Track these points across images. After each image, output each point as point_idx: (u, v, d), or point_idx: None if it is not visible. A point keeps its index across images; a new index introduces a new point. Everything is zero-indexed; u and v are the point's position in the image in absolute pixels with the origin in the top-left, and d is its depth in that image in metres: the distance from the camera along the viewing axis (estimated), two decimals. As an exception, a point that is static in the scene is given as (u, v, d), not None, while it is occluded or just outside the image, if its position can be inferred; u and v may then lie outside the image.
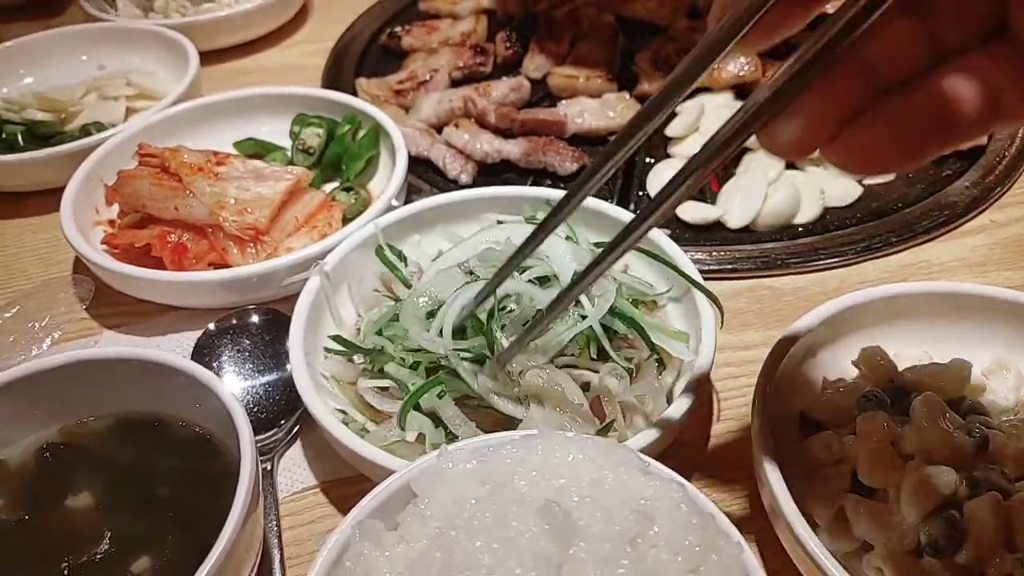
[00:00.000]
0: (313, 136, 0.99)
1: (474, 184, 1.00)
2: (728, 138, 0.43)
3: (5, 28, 1.42)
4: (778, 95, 0.40)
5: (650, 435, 0.59)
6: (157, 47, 1.21)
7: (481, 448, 0.49)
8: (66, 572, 0.53)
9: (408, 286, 0.73)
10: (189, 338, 0.78)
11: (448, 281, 0.69)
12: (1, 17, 1.47)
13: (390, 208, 0.85)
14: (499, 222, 0.79)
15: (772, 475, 0.55)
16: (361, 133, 1.00)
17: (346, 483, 0.67)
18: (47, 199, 0.98)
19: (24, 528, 0.56)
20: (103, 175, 0.92)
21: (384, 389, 0.67)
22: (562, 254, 0.71)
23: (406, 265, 0.78)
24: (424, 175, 1.02)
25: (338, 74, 1.25)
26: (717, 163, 0.44)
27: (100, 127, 1.04)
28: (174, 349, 0.78)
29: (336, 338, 0.71)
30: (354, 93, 1.15)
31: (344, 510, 0.65)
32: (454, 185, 1.00)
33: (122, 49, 1.23)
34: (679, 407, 0.61)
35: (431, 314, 0.67)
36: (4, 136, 1.05)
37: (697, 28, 1.17)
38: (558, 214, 0.57)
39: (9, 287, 0.88)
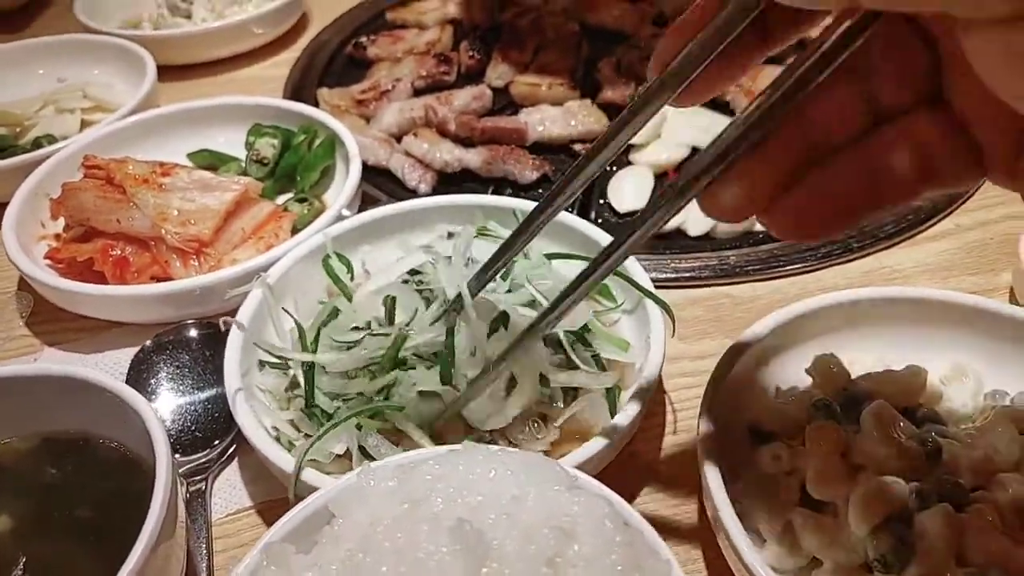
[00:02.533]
0: (267, 146, 0.97)
1: (434, 193, 0.98)
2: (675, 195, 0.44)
3: None
4: (720, 159, 0.41)
5: (593, 447, 0.56)
6: (115, 60, 1.19)
7: (404, 465, 0.47)
8: (-26, 601, 0.50)
9: (349, 298, 0.71)
10: (130, 354, 0.75)
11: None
12: None
13: (341, 218, 0.83)
14: (450, 234, 0.77)
15: (715, 487, 0.52)
16: (317, 143, 0.98)
17: (283, 504, 0.64)
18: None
19: (-66, 554, 0.53)
20: (51, 189, 0.90)
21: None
22: (520, 273, 0.68)
23: (352, 277, 0.76)
24: (383, 185, 1.00)
25: (302, 84, 1.23)
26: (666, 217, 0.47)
27: (52, 140, 1.02)
28: (114, 366, 0.75)
29: (264, 343, 0.68)
30: (316, 104, 1.14)
31: (280, 531, 0.63)
32: (412, 195, 0.98)
33: (81, 61, 1.22)
34: (624, 418, 0.59)
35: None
36: (-45, 151, 1.03)
37: (661, 35, 1.16)
38: (525, 232, 0.57)
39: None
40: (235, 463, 0.68)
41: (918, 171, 0.39)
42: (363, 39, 1.30)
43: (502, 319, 0.62)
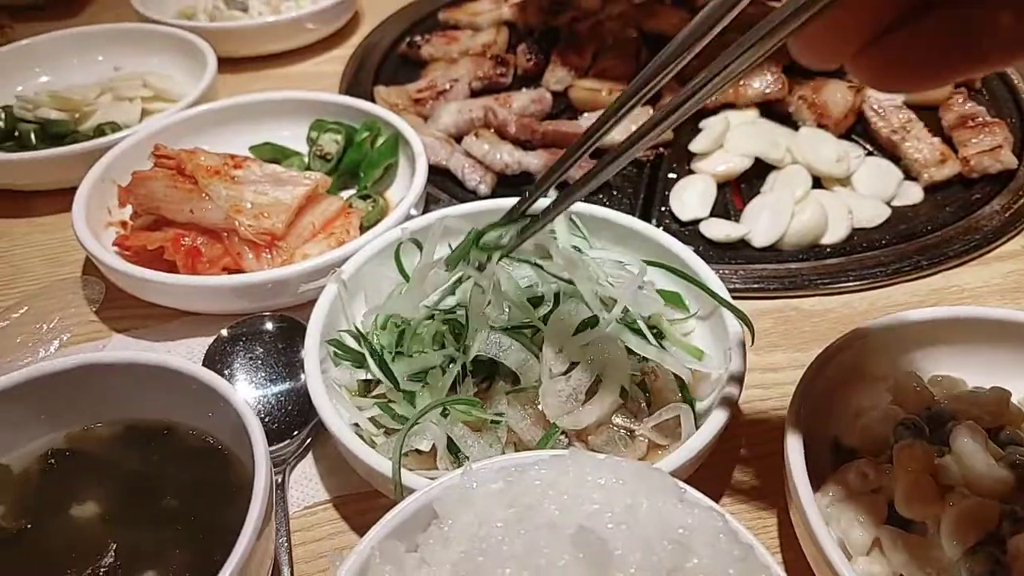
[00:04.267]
0: (331, 142, 0.97)
1: (493, 195, 0.98)
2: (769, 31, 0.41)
3: (23, 27, 1.41)
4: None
5: (681, 457, 0.56)
6: (174, 51, 1.20)
7: (507, 467, 0.47)
8: (70, 584, 0.50)
9: None
10: (200, 344, 0.76)
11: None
12: (20, 16, 1.46)
13: (409, 217, 0.83)
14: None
15: (808, 504, 0.52)
16: (380, 141, 0.98)
17: (359, 498, 0.65)
18: (58, 199, 0.97)
19: (25, 537, 0.54)
20: (117, 176, 0.90)
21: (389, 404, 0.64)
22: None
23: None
24: (441, 184, 1.00)
25: (356, 82, 1.24)
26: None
27: (115, 127, 1.02)
28: (185, 355, 0.76)
29: (333, 341, 0.68)
30: (372, 101, 1.14)
31: (356, 527, 0.63)
32: (472, 196, 0.98)
33: (139, 51, 1.22)
34: (709, 430, 0.59)
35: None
36: (18, 135, 1.04)
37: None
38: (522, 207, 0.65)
39: (15, 287, 0.86)
40: (309, 457, 0.68)
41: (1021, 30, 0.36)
42: (417, 38, 1.30)
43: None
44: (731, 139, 0.98)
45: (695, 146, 1.00)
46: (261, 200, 0.80)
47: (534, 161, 0.99)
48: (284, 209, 0.80)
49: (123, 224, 0.89)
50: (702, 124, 1.03)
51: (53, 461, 0.58)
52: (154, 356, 0.58)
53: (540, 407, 0.62)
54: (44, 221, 0.96)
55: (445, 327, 0.66)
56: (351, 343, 0.69)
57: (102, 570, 0.51)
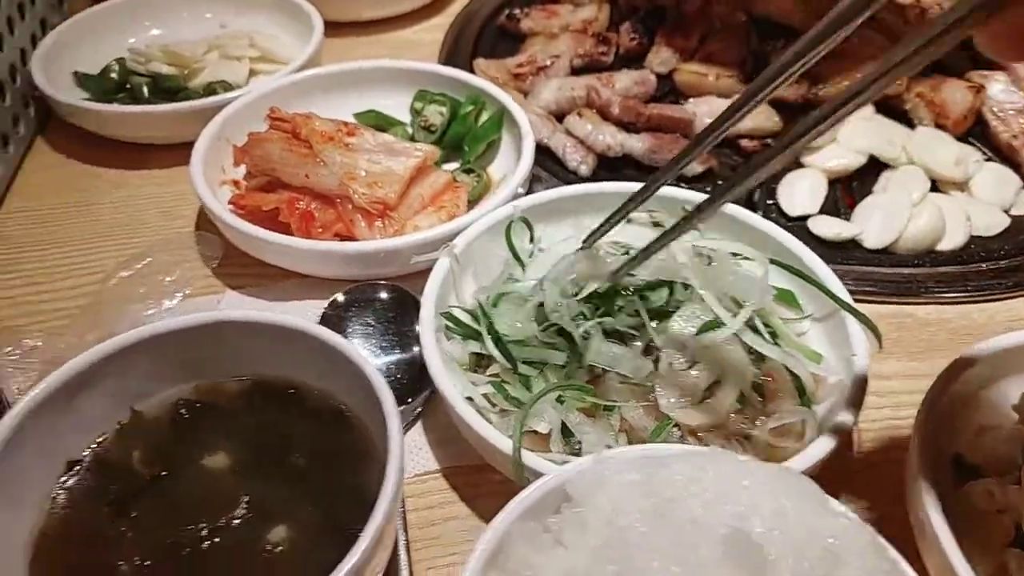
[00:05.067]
0: (436, 114, 0.98)
1: (593, 176, 0.98)
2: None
3: None
4: None
5: (802, 463, 0.56)
6: (280, 12, 1.21)
7: (642, 459, 0.48)
8: (204, 534, 0.52)
9: (523, 267, 0.71)
10: (312, 307, 0.78)
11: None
12: None
13: (517, 195, 0.83)
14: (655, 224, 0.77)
15: (937, 524, 0.51)
16: (484, 115, 0.98)
17: (468, 471, 0.66)
18: (170, 153, 0.99)
19: (160, 484, 0.56)
20: (230, 135, 0.92)
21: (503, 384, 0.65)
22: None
23: (532, 251, 0.76)
24: (540, 162, 1.00)
25: (456, 52, 1.24)
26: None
27: (226, 86, 1.04)
28: (300, 316, 0.77)
29: (447, 315, 0.69)
30: (471, 72, 1.14)
31: (466, 498, 0.64)
32: (572, 176, 0.98)
33: (244, 9, 1.23)
34: (832, 436, 0.58)
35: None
36: (129, 87, 1.06)
37: (832, 35, 1.12)
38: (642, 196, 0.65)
39: (135, 237, 0.89)
40: (418, 426, 0.69)
41: None
42: (516, 11, 1.29)
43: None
44: (845, 134, 0.96)
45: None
46: (374, 169, 0.81)
47: (637, 144, 0.98)
48: (397, 179, 0.80)
49: (235, 183, 0.91)
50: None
51: (184, 411, 0.60)
52: (286, 318, 0.60)
53: (653, 398, 0.62)
54: (158, 174, 0.99)
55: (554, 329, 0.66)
56: (464, 318, 0.69)
57: (235, 521, 0.53)
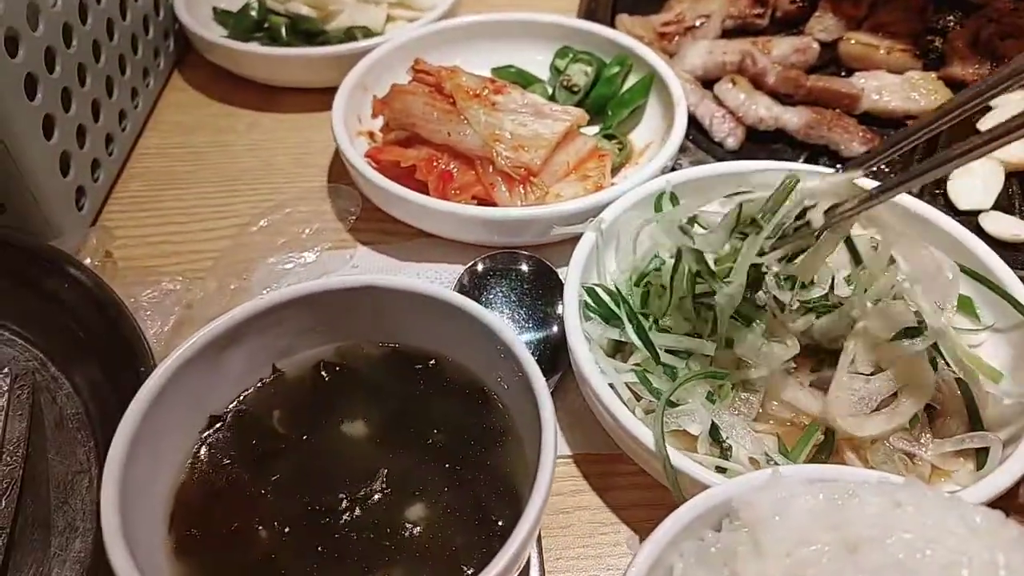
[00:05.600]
0: (580, 74, 0.93)
1: (740, 150, 0.91)
2: None
3: None
4: None
5: (981, 494, 0.50)
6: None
7: (822, 481, 0.43)
8: (343, 506, 0.51)
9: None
10: (446, 271, 0.75)
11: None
12: None
13: (666, 169, 0.78)
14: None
15: None
16: (632, 78, 0.92)
17: (600, 459, 0.63)
18: (302, 97, 0.98)
19: (300, 447, 0.55)
20: (367, 84, 0.90)
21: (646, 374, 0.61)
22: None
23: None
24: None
25: (596, 6, 1.17)
26: None
27: (366, 32, 1.01)
28: (432, 280, 0.75)
29: (590, 291, 0.65)
30: (612, 27, 1.08)
31: (598, 487, 0.62)
32: (718, 147, 0.92)
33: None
34: (1014, 467, 0.52)
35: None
36: (267, 27, 1.05)
37: (1021, 10, 1.01)
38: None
39: (267, 182, 0.89)
40: (551, 407, 0.66)
41: None
42: (662, -37, 1.21)
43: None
44: (1033, 123, 0.86)
45: (984, 125, 0.88)
46: (520, 131, 0.77)
47: (793, 119, 0.91)
48: (544, 144, 0.76)
49: (370, 134, 0.89)
50: (995, 101, 0.90)
51: (324, 373, 0.59)
52: (439, 290, 0.57)
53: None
54: (290, 118, 0.98)
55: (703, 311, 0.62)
56: (605, 299, 0.66)
57: (375, 495, 0.52)
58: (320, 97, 0.95)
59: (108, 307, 0.64)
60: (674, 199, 0.73)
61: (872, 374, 0.56)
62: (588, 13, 1.15)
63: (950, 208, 0.83)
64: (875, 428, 0.56)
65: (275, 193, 0.87)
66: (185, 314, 0.71)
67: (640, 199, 0.72)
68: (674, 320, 0.63)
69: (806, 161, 0.90)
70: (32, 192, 0.72)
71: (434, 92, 0.82)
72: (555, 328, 0.68)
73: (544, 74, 0.98)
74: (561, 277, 0.70)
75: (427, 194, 0.77)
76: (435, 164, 0.78)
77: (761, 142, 0.93)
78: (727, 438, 0.57)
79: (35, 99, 0.71)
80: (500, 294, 0.70)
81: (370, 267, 0.76)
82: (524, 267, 0.72)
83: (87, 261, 0.73)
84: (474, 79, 0.83)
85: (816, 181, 0.55)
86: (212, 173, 0.90)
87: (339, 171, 0.88)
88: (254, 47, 0.98)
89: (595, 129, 0.90)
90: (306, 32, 1.04)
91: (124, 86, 0.90)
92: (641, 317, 0.63)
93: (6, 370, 0.64)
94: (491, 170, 0.77)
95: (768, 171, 0.73)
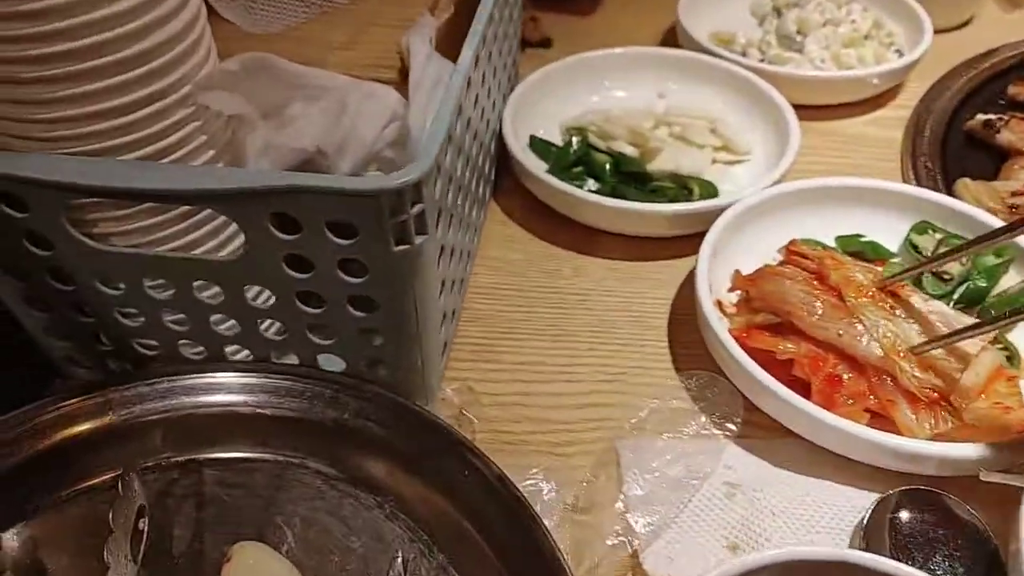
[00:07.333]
0: (956, 263, 0.84)
1: None
2: None
3: (545, 17, 1.39)
4: None
5: None
6: (724, 84, 1.13)
7: None
8: None
9: None
10: (846, 495, 0.68)
11: None
12: (542, 6, 1.44)
13: (1091, 404, 0.69)
14: None
15: None
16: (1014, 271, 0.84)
17: None
18: (623, 241, 0.94)
19: None
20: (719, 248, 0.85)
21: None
22: None
23: None
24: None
25: (916, 160, 1.10)
26: None
27: (708, 189, 0.97)
28: (824, 505, 0.68)
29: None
30: (948, 192, 1.00)
31: None
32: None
33: (683, 76, 1.17)
34: None
35: None
36: (592, 164, 1.03)
37: None
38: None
39: (605, 341, 0.84)
40: None
41: None
42: (993, 118, 1.12)
43: None
44: None
45: None
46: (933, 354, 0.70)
47: None
48: (971, 389, 0.67)
49: (718, 303, 0.83)
50: None
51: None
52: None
53: None
54: (617, 266, 0.94)
55: None
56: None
57: None
58: (640, 243, 0.93)
59: (515, 508, 0.61)
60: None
61: None
62: (913, 169, 1.08)
63: None
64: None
65: (615, 356, 0.83)
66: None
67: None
68: None
69: None
70: (420, 351, 0.70)
71: (813, 279, 0.77)
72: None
73: (893, 246, 0.90)
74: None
75: (796, 388, 0.71)
76: (821, 365, 0.72)
77: None
78: None
79: (439, 265, 0.69)
80: (915, 549, 0.62)
81: (745, 474, 0.70)
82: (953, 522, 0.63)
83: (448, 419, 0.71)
84: (861, 271, 0.76)
85: None
86: (546, 324, 0.87)
87: (684, 339, 0.83)
88: (601, 199, 0.92)
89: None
90: (628, 173, 1.01)
91: (466, 221, 0.88)
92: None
93: (399, 553, 0.62)
94: (889, 384, 0.70)
95: None
